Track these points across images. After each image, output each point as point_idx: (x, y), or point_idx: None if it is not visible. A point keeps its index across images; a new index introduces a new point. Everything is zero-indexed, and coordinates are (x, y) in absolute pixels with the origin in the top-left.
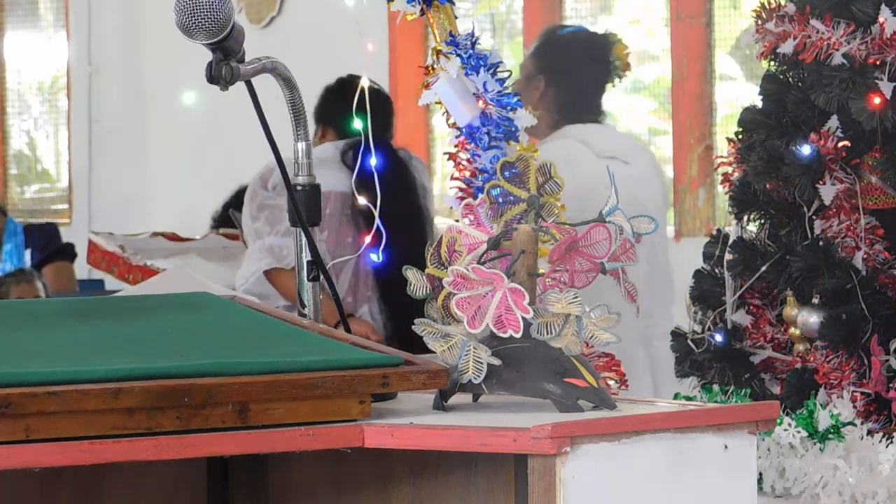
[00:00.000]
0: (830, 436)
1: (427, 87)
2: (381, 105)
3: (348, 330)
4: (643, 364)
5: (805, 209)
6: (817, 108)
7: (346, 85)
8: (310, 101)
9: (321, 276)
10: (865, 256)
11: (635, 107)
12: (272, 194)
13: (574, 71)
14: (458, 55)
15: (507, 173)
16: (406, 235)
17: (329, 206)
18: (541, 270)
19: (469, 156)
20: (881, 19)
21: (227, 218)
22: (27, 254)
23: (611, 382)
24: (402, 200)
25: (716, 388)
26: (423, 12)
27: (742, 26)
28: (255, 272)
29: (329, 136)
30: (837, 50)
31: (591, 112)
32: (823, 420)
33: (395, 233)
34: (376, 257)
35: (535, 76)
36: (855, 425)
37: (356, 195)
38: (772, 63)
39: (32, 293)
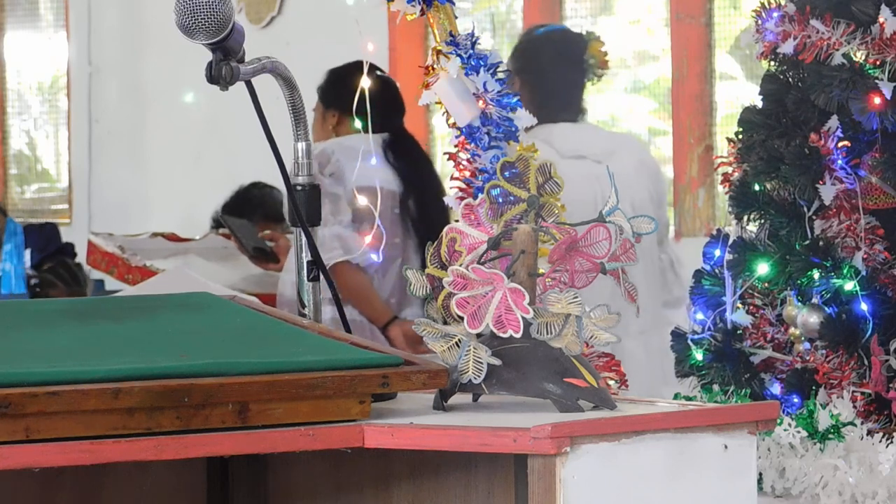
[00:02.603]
0: (830, 436)
1: (427, 87)
2: (392, 96)
3: (349, 330)
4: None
5: (805, 209)
6: (817, 108)
7: (354, 67)
8: (310, 102)
9: (321, 276)
10: (865, 256)
11: (635, 107)
12: (331, 181)
13: (548, 70)
14: (458, 55)
15: (507, 173)
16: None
17: (380, 204)
18: (541, 270)
19: (469, 156)
20: (881, 19)
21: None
22: (27, 254)
23: (611, 382)
24: (438, 200)
25: (716, 388)
26: (423, 12)
27: (742, 26)
28: (326, 261)
29: (347, 126)
30: (837, 50)
31: (567, 111)
32: (823, 420)
33: (431, 235)
34: (376, 257)
35: (511, 77)
36: (855, 425)
37: (356, 195)
38: (772, 63)
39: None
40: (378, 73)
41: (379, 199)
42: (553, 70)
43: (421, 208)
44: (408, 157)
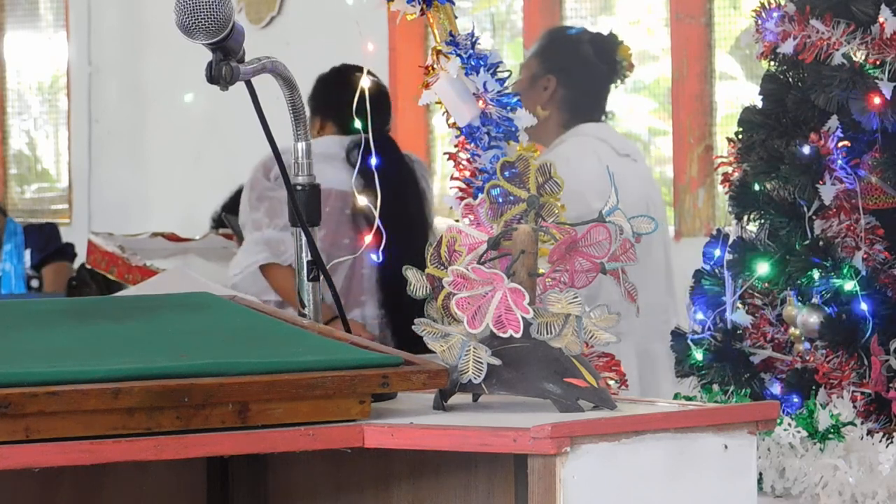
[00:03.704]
0: (830, 436)
1: (427, 87)
2: (378, 100)
3: (348, 329)
4: (665, 359)
5: (805, 209)
6: (817, 108)
7: (342, 74)
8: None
9: (321, 277)
10: (865, 256)
11: (635, 107)
12: (273, 185)
13: (583, 70)
14: (458, 55)
15: (507, 173)
16: (407, 240)
17: (329, 205)
18: (541, 270)
19: (469, 156)
20: (881, 19)
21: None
22: (27, 254)
23: (611, 382)
24: (406, 204)
25: (716, 388)
26: (423, 12)
27: (742, 26)
28: (251, 265)
29: (329, 129)
30: (837, 50)
31: (598, 112)
32: (823, 420)
33: (397, 236)
34: (376, 257)
35: (544, 76)
36: (855, 425)
37: (356, 195)
38: (772, 63)
39: None
40: (369, 75)
41: (381, 202)
42: (588, 70)
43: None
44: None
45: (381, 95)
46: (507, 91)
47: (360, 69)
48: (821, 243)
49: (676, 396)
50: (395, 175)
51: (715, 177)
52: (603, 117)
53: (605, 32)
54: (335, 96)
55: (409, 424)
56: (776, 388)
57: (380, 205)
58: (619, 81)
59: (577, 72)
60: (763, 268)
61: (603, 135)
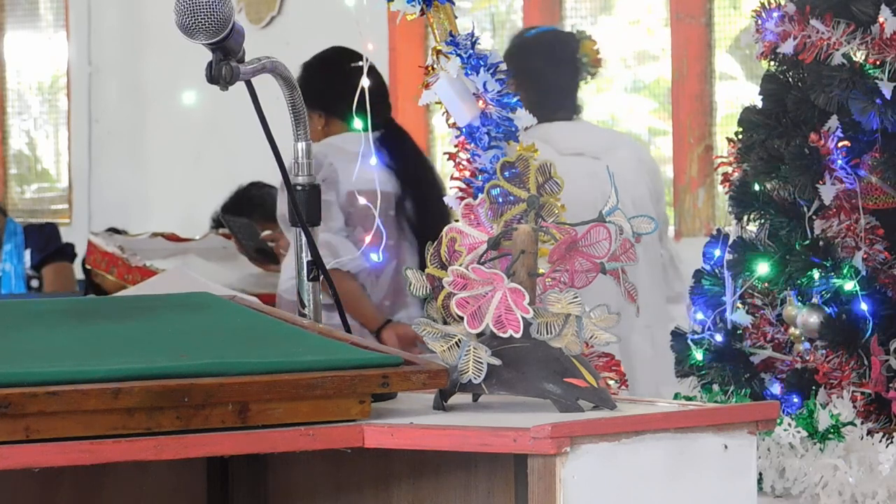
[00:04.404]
0: (830, 436)
1: (427, 87)
2: (377, 91)
3: (349, 330)
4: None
5: (805, 209)
6: (817, 108)
7: (328, 61)
8: None
9: (321, 277)
10: (865, 256)
11: (635, 107)
12: (322, 187)
13: (542, 71)
14: (458, 55)
15: (507, 173)
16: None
17: (378, 207)
18: (541, 270)
19: (469, 156)
20: (881, 19)
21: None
22: (27, 254)
23: (611, 382)
24: (437, 201)
25: (716, 388)
26: (423, 12)
27: (742, 26)
28: None
29: (337, 126)
30: (837, 50)
31: (563, 110)
32: (823, 420)
33: (429, 233)
34: (376, 257)
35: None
36: (855, 425)
37: (357, 194)
38: (772, 63)
39: None
40: (361, 64)
41: (378, 201)
42: (547, 70)
43: (418, 208)
44: (403, 155)
45: (378, 86)
46: (507, 91)
47: (354, 55)
48: (821, 243)
49: (676, 396)
50: (419, 172)
51: (715, 177)
52: (573, 115)
53: (570, 30)
54: (331, 89)
55: (409, 424)
56: (776, 388)
57: (379, 204)
58: (587, 78)
59: (536, 73)
60: (763, 268)
61: (548, 136)
